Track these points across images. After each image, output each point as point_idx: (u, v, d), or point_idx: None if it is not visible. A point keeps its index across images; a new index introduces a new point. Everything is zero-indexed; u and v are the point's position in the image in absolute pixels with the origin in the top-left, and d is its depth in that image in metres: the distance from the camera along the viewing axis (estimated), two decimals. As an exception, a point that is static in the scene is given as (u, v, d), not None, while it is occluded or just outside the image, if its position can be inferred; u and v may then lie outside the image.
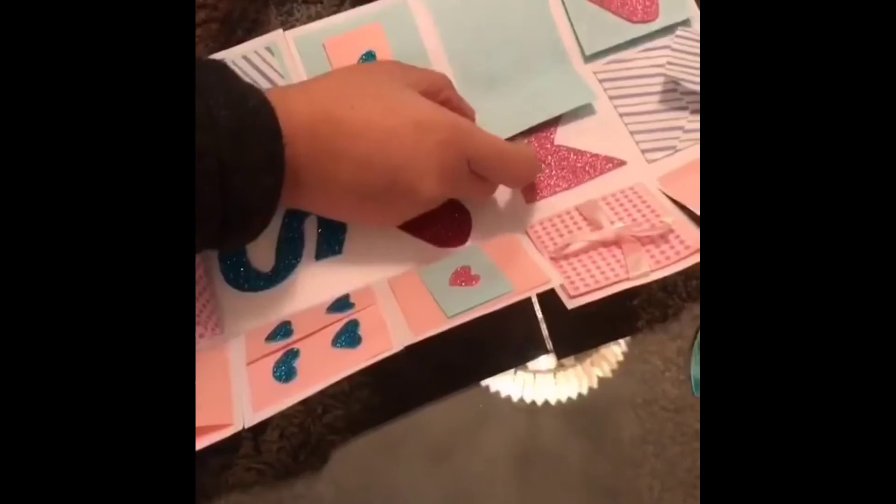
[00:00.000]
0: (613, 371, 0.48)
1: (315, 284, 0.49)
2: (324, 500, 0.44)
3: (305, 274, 0.49)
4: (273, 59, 0.53)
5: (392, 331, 0.42)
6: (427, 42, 0.53)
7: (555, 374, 0.48)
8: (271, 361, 0.43)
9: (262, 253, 0.50)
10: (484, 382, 0.47)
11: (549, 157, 0.52)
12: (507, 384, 0.48)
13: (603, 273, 0.45)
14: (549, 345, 0.49)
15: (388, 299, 0.46)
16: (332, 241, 0.50)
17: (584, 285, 0.44)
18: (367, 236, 0.50)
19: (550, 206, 0.51)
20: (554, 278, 0.44)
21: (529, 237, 0.49)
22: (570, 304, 0.44)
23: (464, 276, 0.46)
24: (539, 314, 0.50)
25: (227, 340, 0.46)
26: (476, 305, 0.43)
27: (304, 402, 0.45)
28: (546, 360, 0.48)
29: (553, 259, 0.46)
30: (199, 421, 0.39)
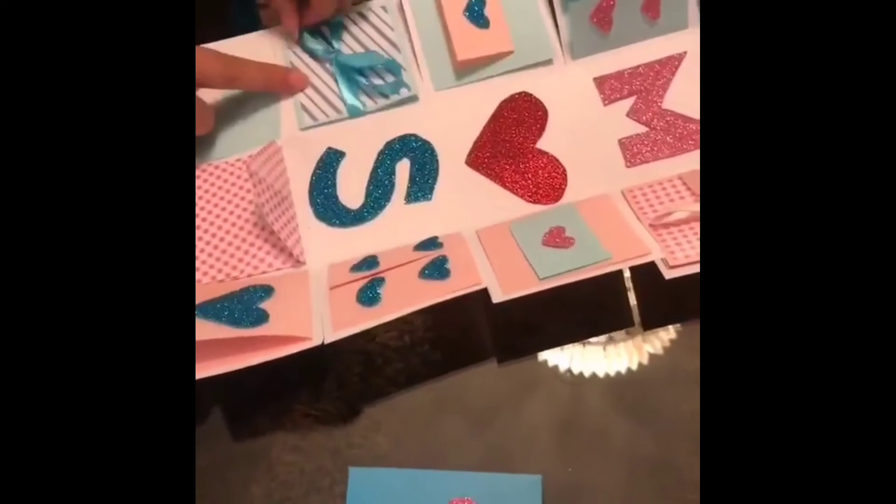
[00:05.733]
0: (665, 348, 0.46)
1: (403, 226, 0.48)
2: (380, 450, 0.44)
3: (394, 215, 0.48)
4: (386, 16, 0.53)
5: (481, 272, 0.41)
6: None
7: (605, 347, 0.46)
8: (356, 287, 0.42)
9: (352, 190, 0.49)
10: (532, 351, 0.46)
11: (655, 120, 0.50)
12: (556, 354, 0.46)
13: (705, 244, 0.43)
14: (637, 318, 0.47)
15: (476, 248, 0.44)
16: (423, 186, 0.49)
17: (684, 256, 0.42)
18: (459, 185, 0.49)
19: (651, 172, 0.49)
20: (654, 250, 0.42)
21: (627, 200, 0.47)
22: (669, 275, 0.41)
23: (557, 237, 0.44)
24: (629, 284, 0.48)
25: (308, 271, 0.46)
26: (570, 270, 0.41)
27: (365, 353, 0.45)
28: None
29: (652, 226, 0.44)
30: (279, 331, 0.40)
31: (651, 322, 0.47)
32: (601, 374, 0.45)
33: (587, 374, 0.45)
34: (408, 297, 0.41)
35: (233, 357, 0.39)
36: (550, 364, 0.46)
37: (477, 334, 0.47)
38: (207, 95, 0.50)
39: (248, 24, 0.52)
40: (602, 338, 0.46)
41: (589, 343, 0.46)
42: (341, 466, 0.44)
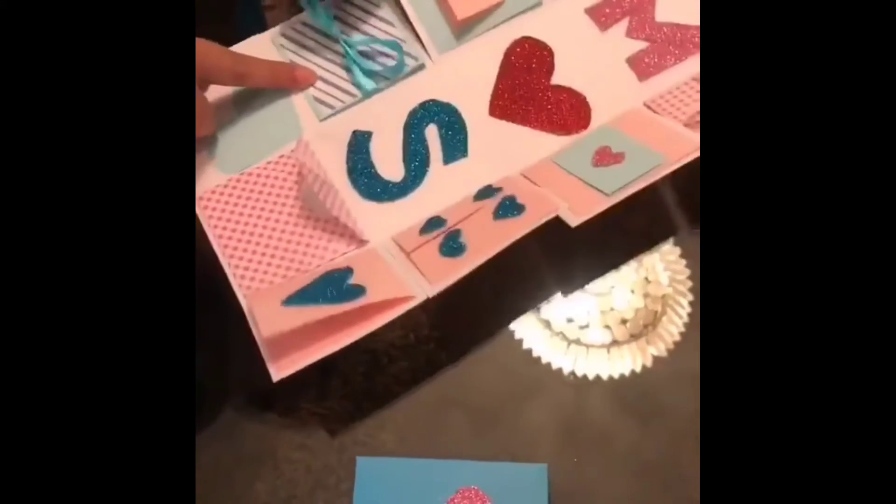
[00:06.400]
0: (668, 350, 0.47)
1: (449, 187, 0.49)
2: (385, 448, 0.45)
3: (437, 178, 0.49)
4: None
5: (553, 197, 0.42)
6: None
7: (608, 349, 0.47)
8: (435, 244, 0.43)
9: (389, 165, 0.50)
10: (536, 353, 0.47)
11: (654, 33, 0.52)
12: (560, 357, 0.47)
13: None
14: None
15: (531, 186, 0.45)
16: (456, 143, 0.50)
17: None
18: (490, 137, 0.50)
19: (664, 81, 0.51)
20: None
21: (653, 110, 0.49)
22: None
23: (606, 156, 0.45)
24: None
25: (375, 247, 0.46)
26: (633, 180, 0.42)
27: (371, 352, 0.46)
28: (601, 336, 0.47)
29: (688, 126, 0.46)
30: (378, 297, 0.40)
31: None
32: (605, 376, 0.46)
33: (591, 375, 0.46)
34: (491, 238, 0.41)
35: (343, 332, 0.40)
36: (554, 366, 0.47)
37: (482, 332, 0.48)
38: (216, 101, 0.50)
39: (253, 24, 0.52)
40: (606, 340, 0.48)
41: (592, 346, 0.47)
42: (347, 464, 0.44)
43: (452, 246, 0.42)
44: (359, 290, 0.40)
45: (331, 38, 0.52)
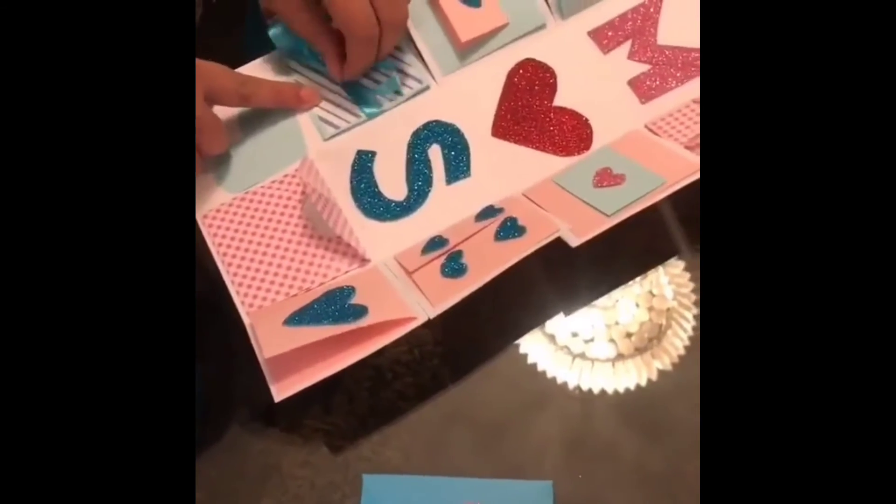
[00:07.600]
0: (674, 364, 0.47)
1: (451, 206, 0.49)
2: (390, 464, 0.45)
3: (440, 198, 0.50)
4: None
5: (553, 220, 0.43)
6: None
7: (613, 363, 0.47)
8: (436, 265, 0.43)
9: (392, 184, 0.50)
10: (541, 367, 0.47)
11: (656, 56, 0.53)
12: (565, 371, 0.47)
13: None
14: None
15: (532, 206, 0.46)
16: (459, 164, 0.50)
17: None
18: (492, 157, 0.51)
19: (666, 103, 0.51)
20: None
21: (654, 132, 0.49)
22: None
23: (606, 177, 0.46)
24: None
25: (377, 266, 0.47)
26: (633, 201, 0.43)
27: (375, 368, 0.46)
28: (606, 350, 0.48)
29: (689, 148, 0.47)
30: (380, 317, 0.40)
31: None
32: (610, 391, 0.46)
33: (596, 390, 0.46)
34: (492, 260, 0.42)
35: (345, 352, 0.40)
36: (559, 380, 0.47)
37: (486, 347, 0.48)
38: (224, 119, 0.51)
39: (258, 44, 0.53)
40: (611, 354, 0.48)
41: (597, 360, 0.47)
42: (352, 481, 0.45)
43: (454, 267, 0.42)
44: (361, 310, 0.40)
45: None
